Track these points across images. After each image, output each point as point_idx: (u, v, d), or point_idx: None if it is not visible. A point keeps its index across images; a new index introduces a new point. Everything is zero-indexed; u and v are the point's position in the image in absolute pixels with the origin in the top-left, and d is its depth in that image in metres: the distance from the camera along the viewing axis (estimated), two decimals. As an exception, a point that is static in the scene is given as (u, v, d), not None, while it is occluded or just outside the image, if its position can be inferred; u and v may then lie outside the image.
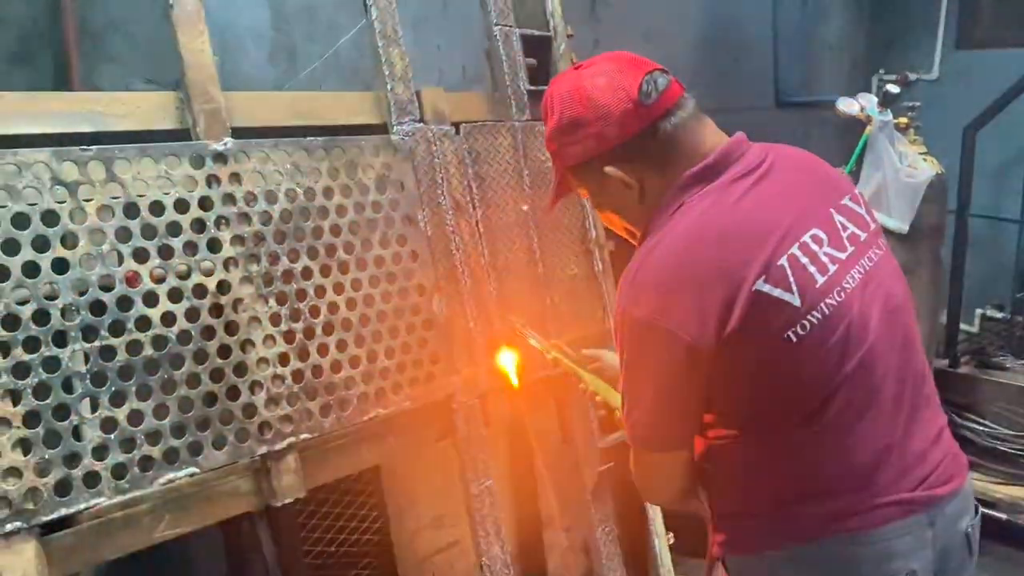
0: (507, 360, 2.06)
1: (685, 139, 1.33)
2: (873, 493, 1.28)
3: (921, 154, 2.86)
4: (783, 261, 1.23)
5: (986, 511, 3.17)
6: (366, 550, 2.68)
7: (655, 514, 2.50)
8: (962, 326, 4.00)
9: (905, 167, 2.78)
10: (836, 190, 1.39)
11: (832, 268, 1.27)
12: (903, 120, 2.89)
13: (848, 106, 2.87)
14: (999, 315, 4.28)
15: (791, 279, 1.22)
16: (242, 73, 2.48)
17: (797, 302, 1.22)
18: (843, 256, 1.29)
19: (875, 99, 2.83)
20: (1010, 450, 3.18)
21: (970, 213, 4.10)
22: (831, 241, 1.29)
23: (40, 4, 1.86)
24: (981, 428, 3.26)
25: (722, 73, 4.14)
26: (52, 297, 1.52)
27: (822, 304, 1.24)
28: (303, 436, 1.80)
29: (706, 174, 1.31)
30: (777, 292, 1.21)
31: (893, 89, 2.84)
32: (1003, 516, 3.17)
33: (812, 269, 1.25)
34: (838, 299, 1.25)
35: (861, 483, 1.28)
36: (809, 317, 1.23)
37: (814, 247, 1.27)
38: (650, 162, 1.33)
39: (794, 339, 1.22)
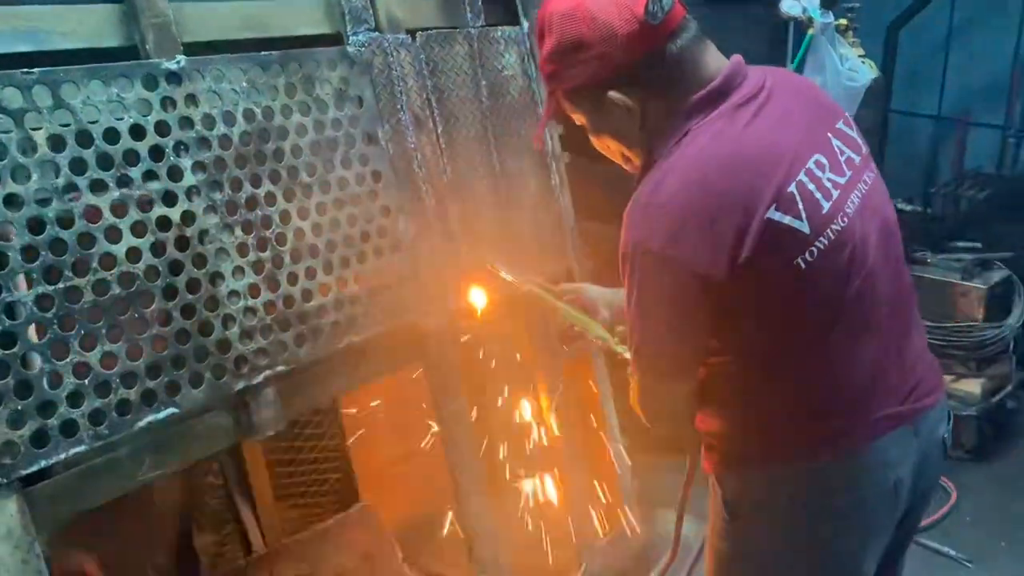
0: (476, 295, 2.04)
1: (689, 63, 1.29)
2: (868, 410, 1.34)
3: (860, 57, 2.89)
4: (792, 188, 1.23)
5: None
6: (325, 466, 2.69)
7: (612, 421, 2.57)
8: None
9: (846, 70, 2.81)
10: (831, 114, 1.39)
11: (835, 194, 1.28)
12: (843, 22, 2.91)
13: (790, 7, 2.85)
14: (909, 208, 4.47)
15: (800, 206, 1.23)
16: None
17: (806, 229, 1.23)
18: (843, 181, 1.31)
19: (817, 1, 2.83)
20: (933, 341, 3.36)
21: (890, 109, 4.23)
22: (832, 167, 1.30)
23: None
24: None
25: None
26: (6, 238, 1.40)
27: (828, 230, 1.26)
28: (279, 368, 1.75)
29: (711, 99, 1.28)
30: (787, 220, 1.22)
31: (835, -10, 2.84)
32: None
33: (818, 195, 1.26)
34: (842, 224, 1.27)
35: (858, 401, 1.34)
36: (817, 243, 1.24)
37: (818, 173, 1.28)
38: (654, 86, 1.29)
39: (803, 265, 1.24)
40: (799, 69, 2.84)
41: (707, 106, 1.28)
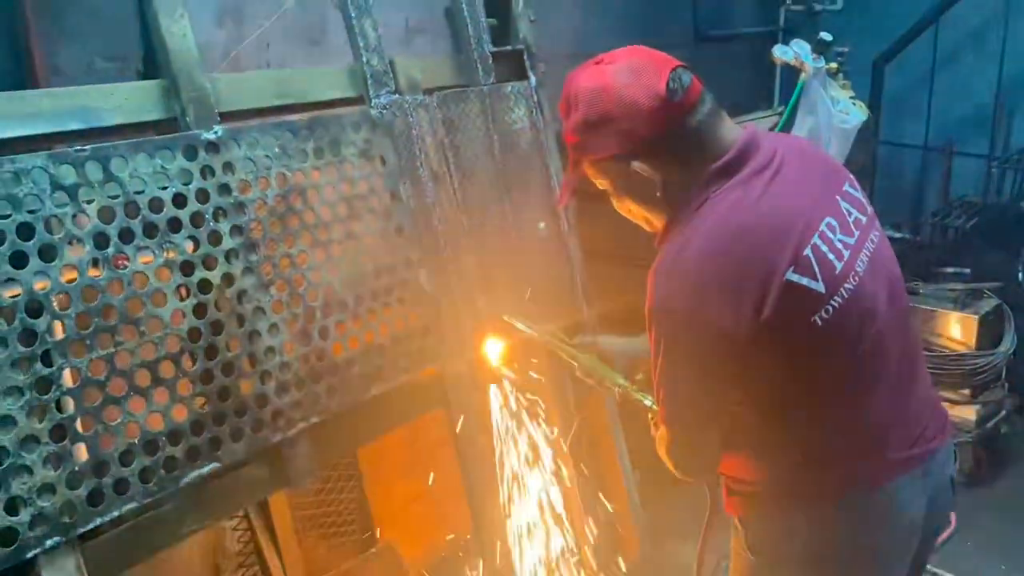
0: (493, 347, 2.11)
1: (707, 135, 1.38)
2: (882, 454, 1.43)
3: (851, 98, 3.01)
4: (808, 251, 1.32)
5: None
6: (345, 506, 2.75)
7: (623, 454, 2.65)
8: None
9: (838, 112, 2.92)
10: (838, 178, 1.48)
11: (846, 254, 1.37)
12: (833, 66, 3.02)
13: (783, 54, 2.97)
14: (898, 235, 4.58)
15: (816, 267, 1.32)
16: (192, 38, 2.38)
17: (822, 289, 1.32)
18: (852, 242, 1.40)
19: (808, 47, 2.94)
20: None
21: (879, 140, 4.36)
22: (841, 228, 1.39)
23: (-2, -13, 1.74)
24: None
25: (645, 10, 4.18)
26: (64, 307, 1.48)
27: (842, 289, 1.35)
28: (313, 420, 1.83)
29: (728, 169, 1.37)
30: (805, 281, 1.31)
31: (826, 37, 2.95)
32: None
33: (831, 257, 1.35)
34: (854, 283, 1.36)
35: (872, 446, 1.43)
36: (832, 302, 1.33)
37: (830, 235, 1.37)
38: (675, 157, 1.38)
39: (819, 323, 1.33)
40: (792, 113, 2.95)
41: (724, 175, 1.37)
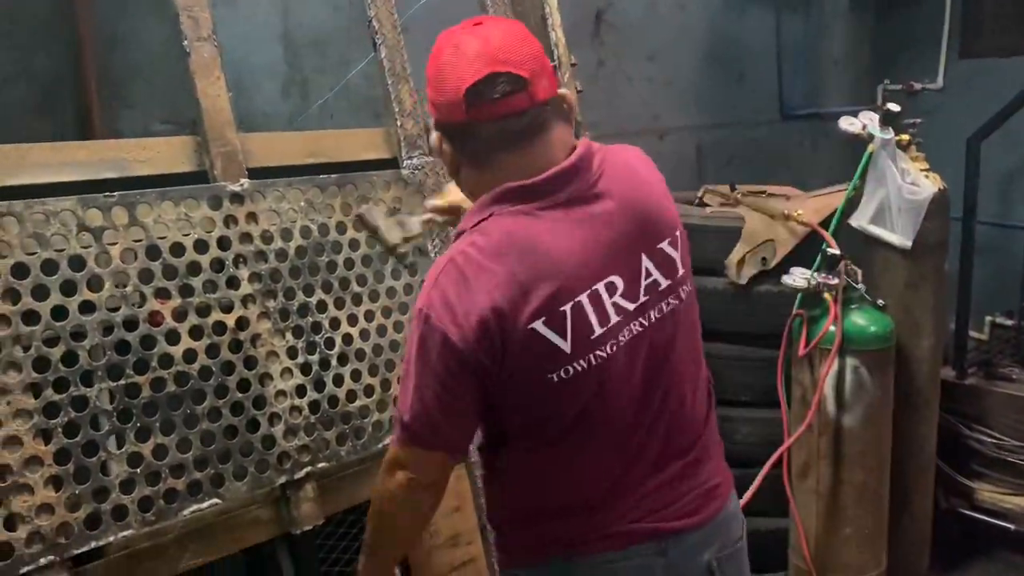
0: None
1: (508, 152, 1.28)
2: (599, 522, 1.34)
3: (923, 171, 2.88)
4: (567, 307, 1.24)
5: (996, 521, 3.21)
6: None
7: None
8: (973, 334, 4.02)
9: (907, 184, 2.81)
10: (657, 232, 1.35)
11: (614, 319, 1.28)
12: (904, 137, 2.91)
13: (849, 125, 2.89)
14: (1008, 322, 4.30)
15: (568, 326, 1.24)
16: (256, 107, 2.56)
17: (568, 349, 1.24)
18: (631, 307, 1.30)
19: (876, 117, 2.86)
20: (1018, 461, 3.19)
21: (977, 220, 4.14)
22: (626, 290, 1.30)
23: (63, 57, 1.94)
24: (989, 439, 3.28)
25: (728, 89, 4.18)
26: (80, 338, 1.59)
27: (591, 355, 1.26)
28: (321, 465, 1.86)
29: (523, 194, 1.27)
30: (551, 335, 1.24)
31: (893, 107, 2.86)
32: (1011, 526, 3.19)
33: (593, 319, 1.26)
34: (608, 352, 1.28)
35: (589, 511, 1.35)
36: (575, 364, 1.26)
37: (604, 295, 1.28)
38: (465, 154, 1.32)
39: (556, 380, 1.26)
40: (861, 182, 2.86)
41: (518, 199, 1.27)
